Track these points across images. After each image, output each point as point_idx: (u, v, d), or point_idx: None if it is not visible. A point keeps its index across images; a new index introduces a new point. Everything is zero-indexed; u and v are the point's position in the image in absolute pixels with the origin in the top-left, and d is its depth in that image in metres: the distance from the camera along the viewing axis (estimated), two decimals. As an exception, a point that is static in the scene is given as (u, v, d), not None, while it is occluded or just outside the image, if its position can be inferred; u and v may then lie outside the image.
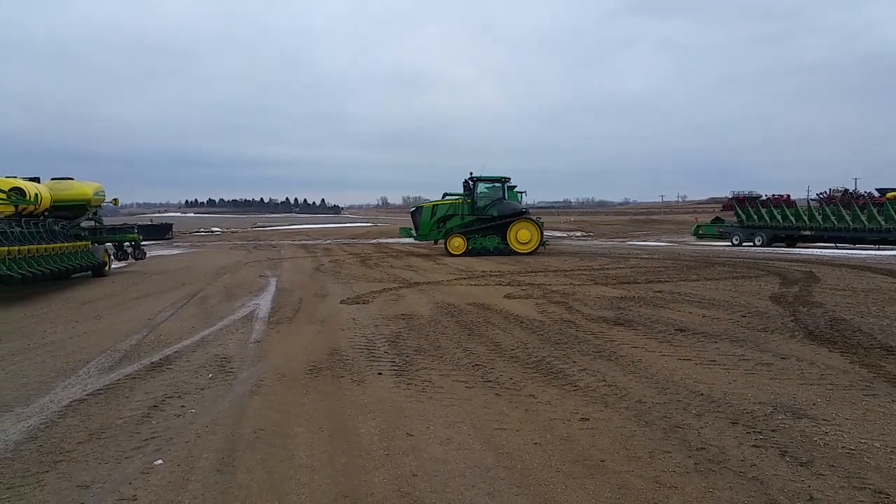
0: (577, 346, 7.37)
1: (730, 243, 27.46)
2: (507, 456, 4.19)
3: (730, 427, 4.63)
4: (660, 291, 11.99)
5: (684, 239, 32.42)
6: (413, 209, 25.08)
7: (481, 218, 22.94)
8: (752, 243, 26.51)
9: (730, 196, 77.18)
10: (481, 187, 23.34)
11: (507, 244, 22.73)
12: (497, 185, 23.59)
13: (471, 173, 23.16)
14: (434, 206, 23.67)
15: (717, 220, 33.02)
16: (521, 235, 22.81)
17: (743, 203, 29.71)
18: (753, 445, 4.27)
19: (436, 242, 24.60)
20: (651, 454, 4.16)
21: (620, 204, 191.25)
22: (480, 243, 22.83)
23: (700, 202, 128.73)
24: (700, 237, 30.92)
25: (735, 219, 29.19)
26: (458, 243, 22.61)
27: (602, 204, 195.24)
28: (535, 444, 4.39)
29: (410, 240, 25.86)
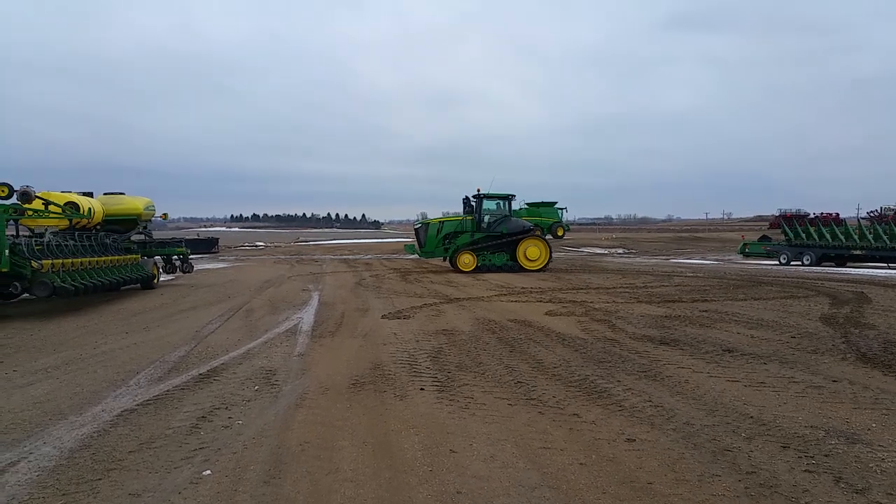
0: (622, 366, 7.27)
1: (777, 262, 26.82)
2: (551, 476, 4.15)
3: (781, 451, 4.51)
4: (706, 311, 11.76)
5: (730, 257, 31.77)
6: (418, 225, 24.79)
7: (490, 235, 22.90)
8: (800, 262, 25.85)
9: (776, 213, 75.36)
10: (489, 204, 23.33)
11: (517, 261, 22.74)
12: (503, 202, 23.59)
13: (478, 190, 23.21)
14: (441, 222, 23.67)
15: (764, 238, 32.32)
16: (531, 253, 22.85)
17: (791, 221, 28.97)
18: (806, 470, 4.15)
19: (445, 260, 24.28)
20: (700, 477, 4.08)
21: (663, 221, 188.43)
22: (490, 260, 22.80)
23: (746, 219, 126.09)
24: (746, 255, 30.28)
25: (783, 237, 28.51)
26: (468, 260, 22.54)
27: (645, 220, 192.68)
28: (581, 464, 4.34)
29: (415, 256, 25.67)
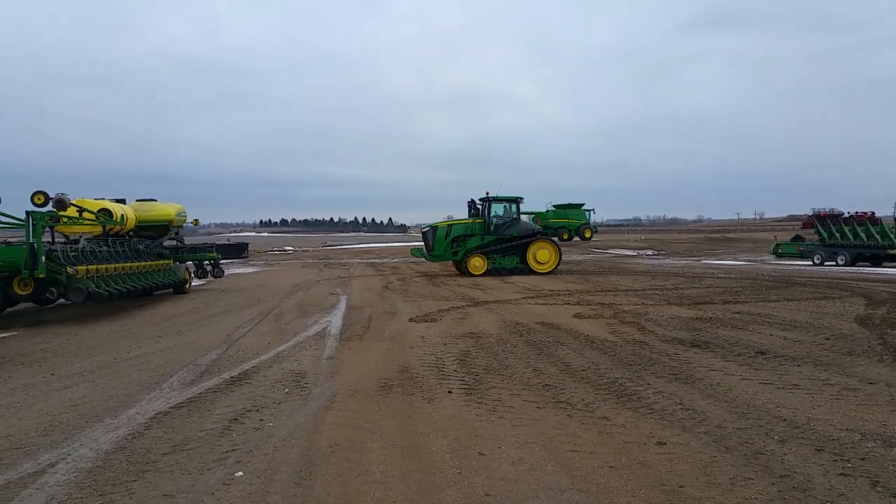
0: (652, 368, 7.20)
1: (811, 262, 26.30)
2: (581, 479, 4.13)
3: (815, 454, 4.43)
4: (738, 312, 11.59)
5: (762, 258, 31.22)
6: (426, 229, 24.14)
7: (501, 238, 22.79)
8: (834, 262, 25.32)
9: (810, 213, 73.95)
10: (498, 207, 23.20)
11: (527, 264, 22.64)
12: (512, 205, 23.42)
13: (487, 193, 23.09)
14: (449, 225, 23.37)
15: (798, 238, 31.69)
16: (541, 255, 22.75)
17: (824, 221, 28.41)
18: (841, 474, 4.07)
19: (456, 264, 23.99)
20: (732, 481, 4.02)
21: (694, 221, 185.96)
22: (500, 263, 22.67)
23: (778, 219, 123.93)
24: (779, 256, 29.73)
25: (816, 237, 27.95)
26: (478, 263, 22.39)
27: (674, 221, 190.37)
28: (610, 467, 4.31)
29: (422, 260, 25.42)
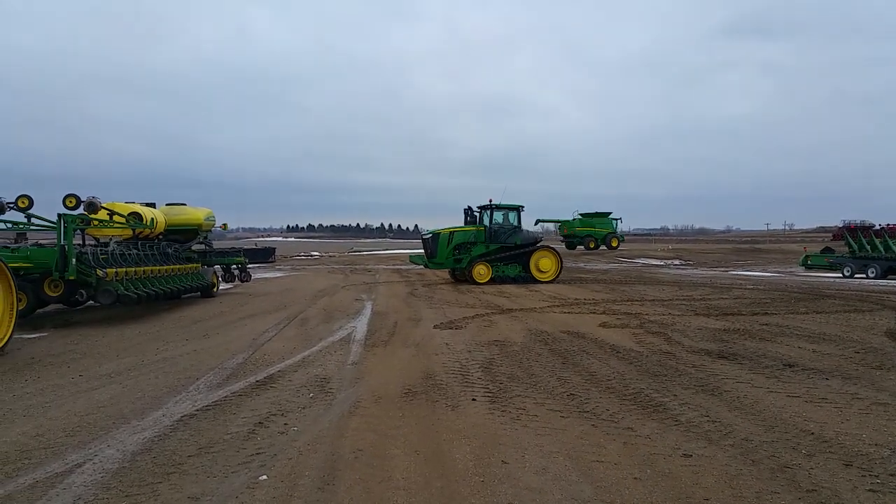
0: (678, 379, 7.11)
1: (841, 275, 25.80)
2: (605, 490, 4.08)
3: (843, 469, 4.34)
4: (766, 324, 11.40)
5: (792, 269, 30.71)
6: (428, 235, 23.72)
7: (505, 246, 22.65)
8: (864, 275, 24.80)
9: (840, 225, 72.58)
10: (500, 215, 23.02)
11: (529, 272, 22.54)
12: (513, 213, 23.25)
13: (489, 200, 22.91)
14: (451, 232, 23.02)
15: (827, 249, 31.06)
16: (543, 264, 22.70)
17: (855, 232, 27.81)
18: (870, 490, 3.98)
19: (456, 272, 23.73)
20: (758, 495, 3.95)
21: (722, 232, 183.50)
22: (503, 271, 22.55)
23: (808, 231, 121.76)
24: (809, 268, 29.20)
25: (846, 249, 27.42)
26: (483, 271, 22.25)
27: (703, 231, 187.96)
28: (635, 478, 4.26)
29: (420, 267, 25.17)
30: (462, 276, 23.36)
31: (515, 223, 23.22)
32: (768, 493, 3.98)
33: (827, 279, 24.15)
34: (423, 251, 24.07)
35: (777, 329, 10.77)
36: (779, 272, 29.18)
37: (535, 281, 22.33)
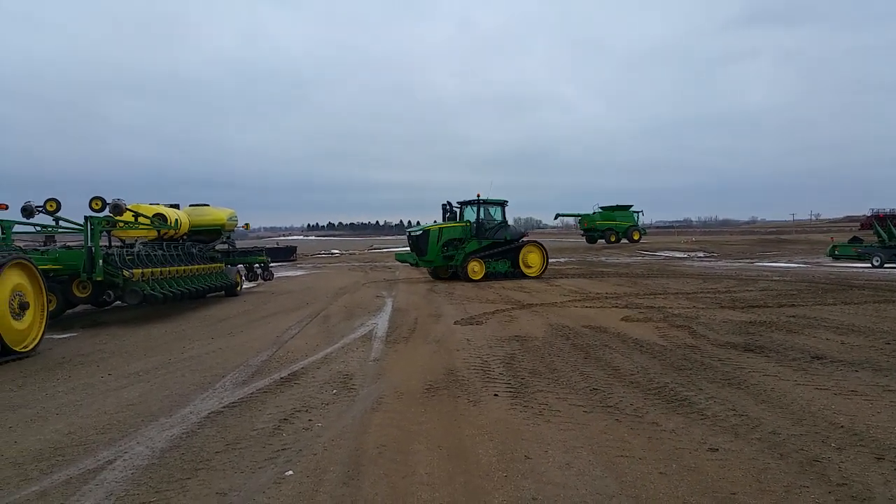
0: (703, 373, 7.04)
1: (869, 265, 25.34)
2: (630, 485, 4.06)
3: (875, 463, 4.27)
4: (793, 316, 11.24)
5: (818, 260, 30.23)
6: (418, 232, 22.88)
7: (496, 242, 22.35)
8: (894, 265, 24.35)
9: (868, 213, 71.21)
10: (490, 210, 22.80)
11: (518, 268, 22.28)
12: (498, 207, 23.03)
13: (478, 195, 22.60)
14: (440, 228, 22.54)
15: (855, 239, 30.53)
16: (531, 259, 22.49)
17: (884, 221, 27.26)
18: (905, 484, 3.91)
19: (438, 270, 23.34)
20: (787, 489, 3.91)
21: (747, 223, 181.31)
22: (494, 267, 22.19)
23: (835, 221, 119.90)
24: (836, 258, 28.71)
25: (875, 238, 26.91)
26: (477, 268, 21.78)
27: (726, 223, 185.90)
28: (660, 473, 4.23)
29: (407, 265, 24.55)
30: (442, 275, 23.04)
31: (500, 218, 23.01)
32: (797, 487, 3.93)
33: (855, 269, 23.73)
34: (408, 249, 23.67)
35: (804, 321, 10.62)
36: (805, 263, 28.75)
37: (524, 276, 22.09)
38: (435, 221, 23.38)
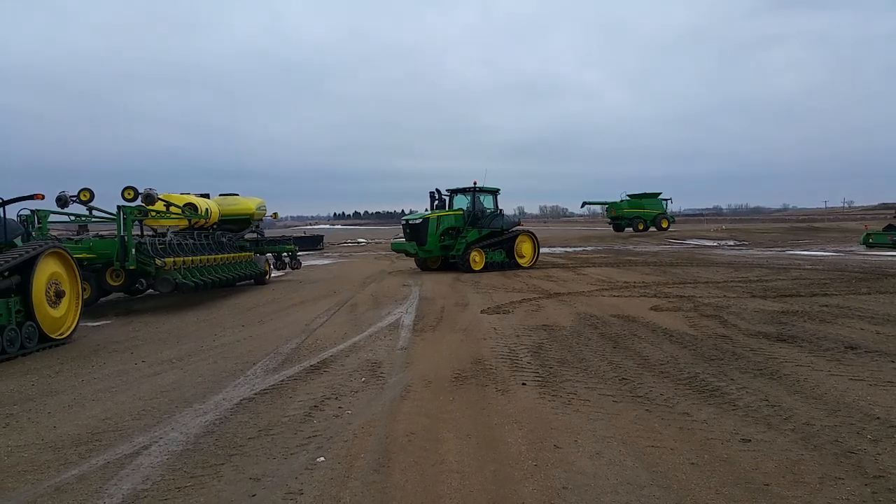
0: (735, 363, 6.96)
1: (906, 253, 24.77)
2: (661, 475, 4.04)
3: (913, 456, 4.19)
4: (826, 305, 11.04)
5: (852, 248, 29.60)
6: (418, 220, 21.99)
7: (493, 231, 21.97)
8: (933, 253, 23.78)
9: (905, 201, 69.41)
10: (485, 199, 22.45)
11: (513, 258, 22.00)
12: (491, 196, 22.65)
13: (474, 183, 22.20)
14: (438, 217, 21.86)
15: (890, 227, 29.83)
16: (524, 249, 22.28)
17: (923, 208, 26.67)
18: (945, 478, 3.83)
19: (429, 261, 22.66)
20: (821, 480, 3.85)
21: (778, 210, 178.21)
22: (491, 257, 21.74)
23: (869, 208, 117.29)
24: (870, 246, 28.13)
25: (912, 226, 26.30)
26: (478, 258, 21.31)
27: (757, 210, 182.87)
28: (692, 464, 4.20)
29: (403, 255, 23.74)
30: (431, 265, 22.57)
31: (492, 206, 22.69)
32: (832, 478, 3.87)
33: (890, 258, 23.20)
34: (403, 238, 23.17)
35: (838, 310, 10.43)
36: (838, 251, 28.18)
37: (518, 266, 21.87)
38: (426, 210, 22.93)
